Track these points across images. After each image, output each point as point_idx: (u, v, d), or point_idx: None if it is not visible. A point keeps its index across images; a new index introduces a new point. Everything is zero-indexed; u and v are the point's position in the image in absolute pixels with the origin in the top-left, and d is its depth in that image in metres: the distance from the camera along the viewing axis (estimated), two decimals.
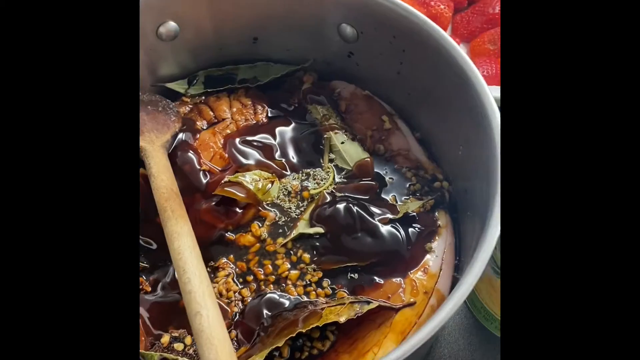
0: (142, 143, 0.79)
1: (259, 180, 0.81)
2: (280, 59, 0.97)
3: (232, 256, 0.77)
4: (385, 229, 0.77)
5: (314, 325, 0.65)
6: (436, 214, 0.80)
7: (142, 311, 0.72)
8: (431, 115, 0.86)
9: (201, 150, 0.83)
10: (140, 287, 0.74)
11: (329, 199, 0.80)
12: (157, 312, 0.72)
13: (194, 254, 0.64)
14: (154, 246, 0.77)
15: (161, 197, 0.72)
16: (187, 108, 0.91)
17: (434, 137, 0.88)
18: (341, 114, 0.90)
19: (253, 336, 0.70)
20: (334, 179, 0.84)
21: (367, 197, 0.81)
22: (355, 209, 0.78)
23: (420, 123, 0.89)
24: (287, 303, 0.73)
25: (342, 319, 0.67)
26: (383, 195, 0.82)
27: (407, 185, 0.83)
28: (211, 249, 0.77)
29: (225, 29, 0.92)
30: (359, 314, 0.68)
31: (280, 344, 0.64)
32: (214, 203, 0.78)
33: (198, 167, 0.81)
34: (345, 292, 0.74)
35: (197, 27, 0.90)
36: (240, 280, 0.75)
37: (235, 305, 0.72)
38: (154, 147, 0.79)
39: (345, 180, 0.84)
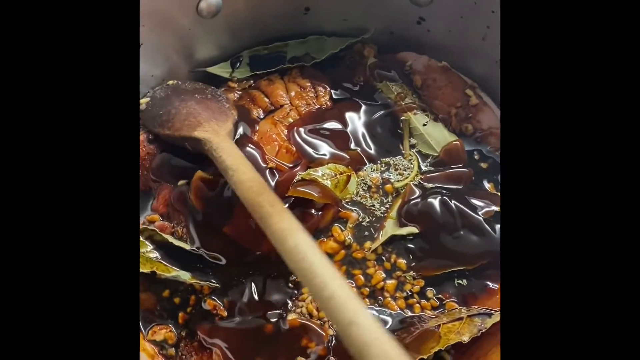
0: (204, 135, 0.67)
1: (335, 176, 0.69)
2: (335, 30, 0.84)
3: None
4: (491, 224, 0.66)
5: (436, 350, 0.55)
6: None
7: (219, 342, 0.61)
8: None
9: (263, 144, 0.71)
10: (214, 311, 0.63)
11: (417, 192, 0.69)
12: (239, 341, 0.61)
13: (317, 250, 0.51)
14: (223, 261, 0.66)
15: (250, 192, 0.58)
16: (236, 95, 0.79)
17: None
18: (417, 90, 0.78)
19: None
20: (419, 167, 0.72)
21: (461, 187, 0.70)
22: (452, 202, 0.67)
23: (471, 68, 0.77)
24: (389, 320, 0.62)
25: (465, 339, 0.56)
26: (480, 184, 0.71)
27: None
28: None
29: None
30: (483, 330, 0.57)
31: None
32: (287, 206, 0.67)
33: (264, 164, 0.69)
34: (455, 302, 0.63)
35: (242, 1, 0.77)
36: None
37: (330, 327, 0.62)
38: (220, 138, 0.66)
39: (432, 169, 0.72)
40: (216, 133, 0.67)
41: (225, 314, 0.63)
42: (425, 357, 0.55)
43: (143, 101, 0.75)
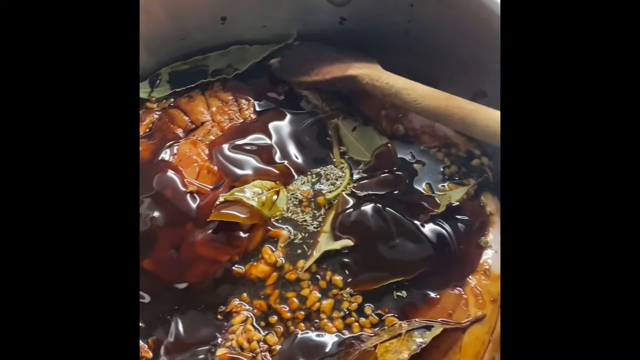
0: (360, 71, 0.68)
1: (262, 193, 0.65)
2: (257, 38, 0.80)
3: (245, 294, 0.61)
4: (427, 229, 0.62)
5: None
6: (482, 198, 0.66)
7: None
8: (453, 78, 0.71)
9: (182, 167, 0.67)
10: (140, 355, 0.58)
11: (351, 201, 0.65)
12: None
13: None
14: (147, 299, 0.61)
15: (440, 100, 0.62)
16: (155, 116, 0.74)
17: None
18: (343, 94, 0.74)
19: None
20: (351, 176, 0.68)
21: (396, 192, 0.66)
22: (386, 209, 0.63)
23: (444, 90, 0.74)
24: (327, 343, 0.58)
25: (404, 356, 0.53)
26: (415, 187, 0.67)
27: (441, 169, 0.68)
28: (217, 290, 0.62)
29: (185, 11, 0.75)
30: (423, 346, 0.53)
31: None
32: (210, 231, 0.62)
33: (183, 189, 0.64)
34: (395, 317, 0.59)
35: (150, 14, 0.72)
36: (262, 323, 0.60)
37: (263, 359, 0.57)
38: (378, 70, 0.68)
39: (364, 175, 0.68)
40: (371, 67, 0.68)
41: (150, 355, 0.58)
42: None
43: (274, 60, 0.77)
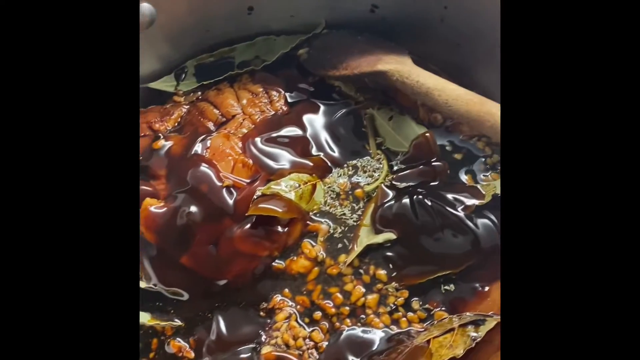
0: (390, 66, 0.65)
1: (299, 187, 0.63)
2: (284, 28, 0.78)
3: (286, 290, 0.59)
4: (473, 221, 0.60)
5: None
6: None
7: None
8: (487, 66, 0.69)
9: (217, 160, 0.64)
10: (180, 354, 0.56)
11: (390, 194, 0.63)
12: None
13: None
14: (185, 297, 0.59)
15: (472, 104, 0.59)
16: (183, 109, 0.72)
17: (495, 91, 0.71)
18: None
19: None
20: (389, 167, 0.66)
21: (437, 183, 0.64)
22: (429, 200, 0.61)
23: (474, 79, 0.72)
24: (375, 340, 0.56)
25: (460, 351, 0.51)
26: (457, 177, 0.65)
27: (483, 159, 0.66)
28: (258, 286, 0.60)
29: (209, 3, 0.73)
30: (478, 340, 0.52)
31: None
32: (249, 226, 0.60)
33: (218, 183, 0.62)
34: (443, 310, 0.57)
35: (179, 7, 0.70)
36: (307, 320, 0.58)
37: (309, 356, 0.55)
38: (408, 66, 0.65)
39: (403, 167, 0.66)
40: (401, 63, 0.66)
41: (192, 355, 0.56)
42: None
43: (302, 51, 0.75)
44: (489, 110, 0.58)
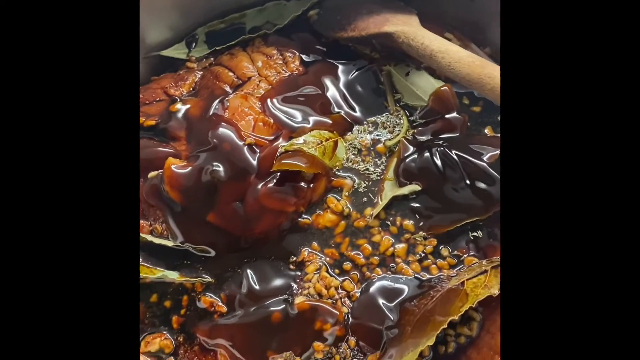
0: (396, 28, 0.65)
1: (321, 143, 0.63)
2: None
3: (315, 244, 0.59)
4: (497, 168, 0.61)
5: (466, 308, 0.49)
6: None
7: (223, 341, 0.54)
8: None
9: (237, 120, 0.64)
10: (212, 309, 0.56)
11: (411, 148, 0.63)
12: (245, 337, 0.54)
13: None
14: (213, 253, 0.59)
15: (474, 66, 0.57)
16: (197, 75, 0.72)
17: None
18: None
19: (380, 339, 0.53)
20: (409, 122, 0.66)
21: (457, 135, 0.65)
22: (452, 152, 0.61)
23: (488, 36, 0.72)
24: (406, 286, 0.56)
25: (495, 291, 0.51)
26: (477, 128, 0.66)
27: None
28: (287, 240, 0.60)
29: None
30: None
31: (431, 342, 0.48)
32: (274, 183, 0.60)
33: (240, 142, 0.62)
34: (474, 256, 0.57)
35: None
36: (337, 271, 0.58)
37: (342, 304, 0.55)
38: (414, 27, 0.64)
39: (423, 121, 0.66)
40: (407, 24, 0.66)
41: (224, 309, 0.56)
42: (456, 317, 0.49)
43: (313, 12, 0.75)
44: (490, 72, 0.57)
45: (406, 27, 0.64)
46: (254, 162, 0.61)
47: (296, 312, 0.54)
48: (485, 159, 0.61)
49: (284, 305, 0.55)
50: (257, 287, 0.56)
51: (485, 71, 0.56)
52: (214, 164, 0.60)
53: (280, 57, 0.71)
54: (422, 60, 0.64)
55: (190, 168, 0.60)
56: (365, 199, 0.62)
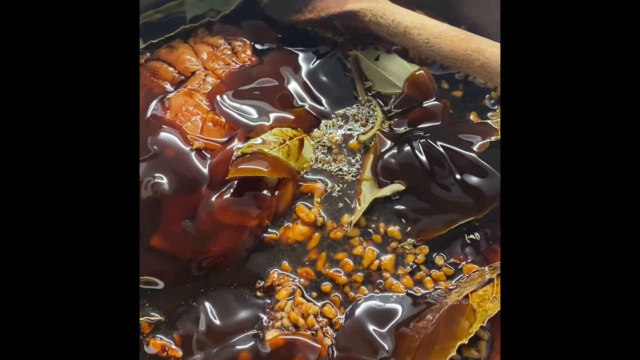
0: (361, 4, 0.55)
1: (284, 142, 0.53)
2: None
3: (285, 263, 0.50)
4: (489, 158, 0.53)
5: (477, 329, 0.41)
6: None
7: None
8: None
9: (180, 121, 0.54)
10: (164, 354, 0.45)
11: (389, 142, 0.55)
12: None
13: None
14: (160, 285, 0.48)
15: (457, 41, 0.49)
16: None
17: (486, 28, 0.64)
18: None
19: None
20: (383, 112, 0.58)
21: (439, 123, 0.56)
22: (437, 143, 0.53)
23: (463, 13, 0.64)
24: (399, 307, 0.47)
25: None
26: (462, 114, 0.58)
27: (488, 94, 0.59)
28: (251, 262, 0.50)
29: None
30: None
31: None
32: (230, 193, 0.50)
33: (186, 147, 0.51)
34: (474, 263, 0.49)
35: None
36: (314, 294, 0.49)
37: (325, 335, 0.46)
38: (381, 2, 0.54)
39: (399, 111, 0.58)
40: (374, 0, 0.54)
41: (179, 354, 0.45)
42: (466, 341, 0.40)
43: None
44: (477, 47, 0.49)
45: (372, 3, 0.55)
46: (205, 170, 0.51)
47: (268, 350, 0.44)
48: (474, 148, 0.53)
49: (253, 343, 0.45)
50: (218, 322, 0.46)
51: (472, 45, 0.47)
52: (156, 175, 0.49)
53: (229, 46, 0.62)
54: (395, 41, 0.55)
55: None
56: (341, 205, 0.52)
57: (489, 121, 0.56)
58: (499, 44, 0.45)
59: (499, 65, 0.44)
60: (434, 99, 0.58)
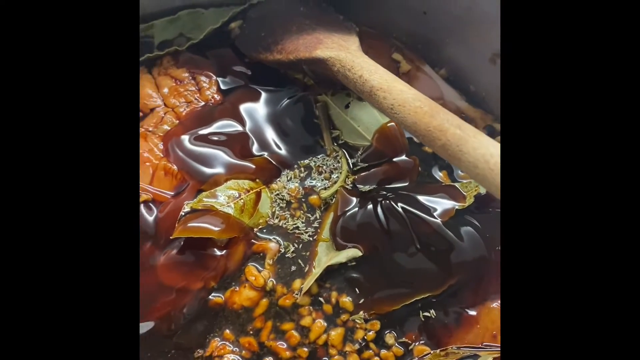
0: (330, 53, 0.51)
1: (239, 197, 0.50)
2: (212, 0, 0.64)
3: (227, 331, 0.47)
4: (453, 228, 0.50)
5: None
6: None
7: None
8: (460, 39, 0.58)
9: None
10: None
11: (353, 200, 0.51)
12: None
13: None
14: None
15: (421, 113, 0.43)
16: None
17: (467, 69, 0.60)
18: None
19: None
20: (348, 166, 0.54)
21: (407, 184, 0.53)
22: (399, 206, 0.50)
23: (444, 55, 0.61)
24: None
25: None
26: (430, 174, 0.54)
27: None
28: (192, 327, 0.47)
29: None
30: None
31: None
32: (175, 251, 0.48)
33: None
34: (425, 344, 0.46)
35: None
36: None
37: None
38: (351, 53, 0.51)
39: (365, 165, 0.55)
40: (344, 48, 0.52)
41: None
42: None
43: (234, 24, 0.62)
44: (440, 125, 0.43)
45: (342, 52, 0.51)
46: (151, 225, 0.48)
47: None
48: (437, 214, 0.50)
49: None
50: None
51: (435, 122, 0.43)
52: None
53: (193, 81, 0.58)
54: (361, 96, 0.51)
55: None
56: (293, 268, 0.50)
57: (457, 185, 0.53)
58: (464, 124, 0.42)
59: (460, 152, 0.40)
60: (403, 154, 0.54)
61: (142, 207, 0.49)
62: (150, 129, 0.54)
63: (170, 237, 0.47)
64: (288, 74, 0.59)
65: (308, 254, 0.51)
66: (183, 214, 0.48)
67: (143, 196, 0.49)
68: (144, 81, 0.58)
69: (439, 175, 0.55)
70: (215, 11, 0.64)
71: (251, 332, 0.47)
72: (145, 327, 0.46)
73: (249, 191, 0.51)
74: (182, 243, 0.48)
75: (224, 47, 0.61)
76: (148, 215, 0.49)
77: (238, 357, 0.46)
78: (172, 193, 0.51)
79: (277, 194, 0.53)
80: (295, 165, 0.55)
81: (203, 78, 0.58)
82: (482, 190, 0.52)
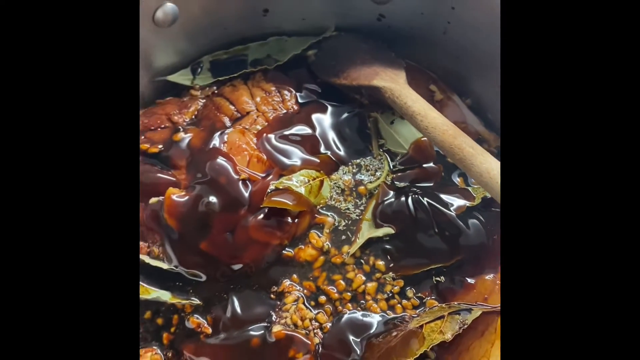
0: (384, 83, 0.69)
1: (308, 182, 0.69)
2: (295, 30, 0.83)
3: (295, 276, 0.66)
4: (463, 220, 0.67)
5: (422, 351, 0.57)
6: None
7: (206, 359, 0.61)
8: (484, 77, 0.76)
9: (234, 154, 0.70)
10: (199, 329, 0.63)
11: (390, 192, 0.70)
12: (226, 357, 0.61)
13: None
14: (203, 278, 0.65)
15: (447, 135, 0.61)
16: (199, 103, 0.77)
17: (487, 101, 0.78)
18: None
19: None
20: (389, 167, 0.73)
21: (432, 184, 0.71)
22: (425, 200, 0.68)
23: (470, 88, 0.79)
24: (373, 323, 0.63)
25: (449, 336, 0.58)
26: (450, 179, 0.72)
27: None
28: (270, 271, 0.66)
29: (230, 2, 0.77)
30: (464, 327, 0.59)
31: None
32: (262, 217, 0.66)
33: (236, 176, 0.68)
34: (434, 299, 0.65)
35: (199, 6, 0.75)
36: (312, 303, 0.65)
37: (315, 335, 0.62)
38: (400, 85, 0.68)
39: (402, 167, 0.73)
40: (395, 81, 0.70)
41: (209, 331, 0.63)
42: (411, 359, 0.56)
43: (311, 52, 0.80)
44: (460, 144, 0.60)
45: (393, 84, 0.70)
46: (246, 196, 0.68)
47: (273, 339, 0.61)
48: (452, 209, 0.68)
49: (262, 332, 0.62)
50: (240, 312, 0.63)
51: (456, 142, 0.61)
52: (210, 196, 0.66)
53: (278, 94, 0.77)
54: (404, 118, 0.69)
55: (187, 198, 0.66)
56: (344, 237, 0.68)
57: (469, 188, 0.71)
58: (476, 145, 0.60)
59: (471, 164, 0.58)
60: (431, 162, 0.73)
61: (240, 183, 0.68)
62: (247, 127, 0.73)
63: (260, 206, 0.66)
64: (349, 94, 0.77)
65: (355, 228, 0.69)
66: (269, 190, 0.67)
67: (242, 175, 0.68)
68: (241, 90, 0.77)
69: (457, 180, 0.73)
70: (297, 39, 0.82)
71: (311, 278, 0.66)
72: (237, 267, 0.66)
73: (315, 179, 0.70)
74: (267, 211, 0.66)
75: (302, 69, 0.80)
76: (245, 189, 0.68)
77: (301, 294, 0.65)
78: (262, 175, 0.69)
79: (335, 183, 0.71)
80: (350, 163, 0.73)
81: (285, 92, 0.77)
82: (487, 194, 0.70)
